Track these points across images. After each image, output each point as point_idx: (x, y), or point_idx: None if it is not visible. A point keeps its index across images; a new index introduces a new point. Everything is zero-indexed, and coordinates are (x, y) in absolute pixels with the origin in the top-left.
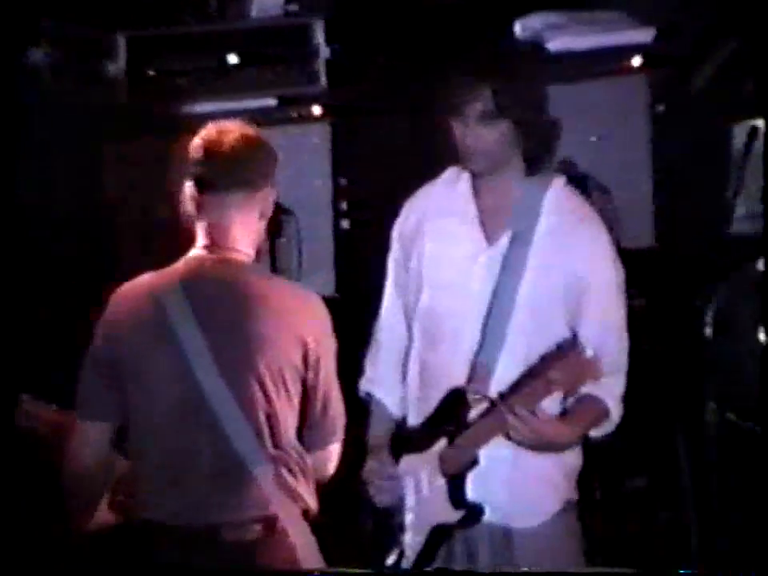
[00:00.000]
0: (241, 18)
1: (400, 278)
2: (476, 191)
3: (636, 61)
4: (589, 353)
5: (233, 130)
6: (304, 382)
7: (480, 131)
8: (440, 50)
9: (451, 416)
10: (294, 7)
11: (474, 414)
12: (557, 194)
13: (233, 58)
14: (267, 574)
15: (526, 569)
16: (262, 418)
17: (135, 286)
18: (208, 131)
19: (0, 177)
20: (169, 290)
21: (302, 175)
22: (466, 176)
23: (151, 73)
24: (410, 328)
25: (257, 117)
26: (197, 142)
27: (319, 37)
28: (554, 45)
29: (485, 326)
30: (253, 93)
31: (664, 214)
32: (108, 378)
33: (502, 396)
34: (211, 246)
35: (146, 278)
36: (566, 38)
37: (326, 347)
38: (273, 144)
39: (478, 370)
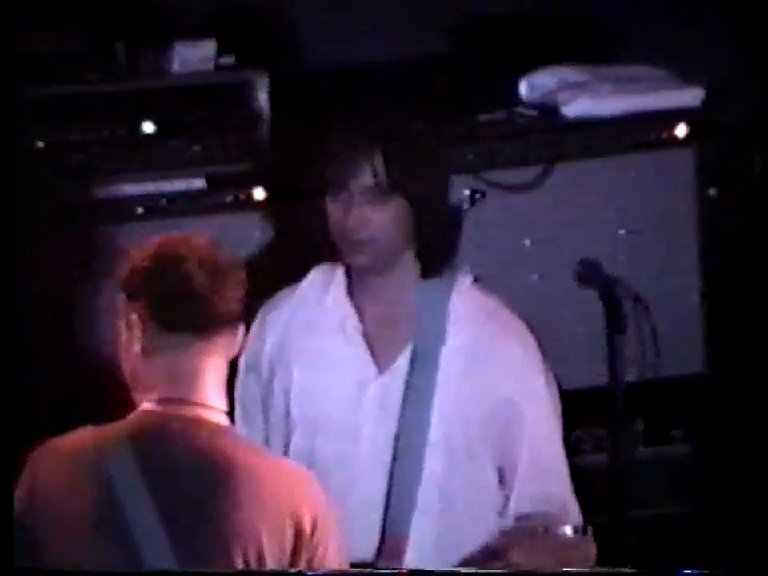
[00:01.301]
0: (158, 75)
1: (255, 416)
2: (355, 297)
3: (680, 130)
4: (567, 530)
5: (199, 248)
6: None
7: (367, 212)
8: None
9: None
10: (228, 59)
11: None
12: (465, 297)
13: (148, 126)
14: (271, 575)
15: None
16: None
17: (69, 445)
18: (164, 247)
19: None
20: (116, 457)
21: None
22: (339, 277)
23: (40, 144)
24: None
25: (179, 202)
26: (147, 260)
27: (261, 97)
28: (572, 109)
29: (388, 477)
30: (174, 171)
31: (718, 332)
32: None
33: None
34: (173, 400)
35: (83, 436)
36: (587, 101)
37: (325, 533)
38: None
39: (388, 540)
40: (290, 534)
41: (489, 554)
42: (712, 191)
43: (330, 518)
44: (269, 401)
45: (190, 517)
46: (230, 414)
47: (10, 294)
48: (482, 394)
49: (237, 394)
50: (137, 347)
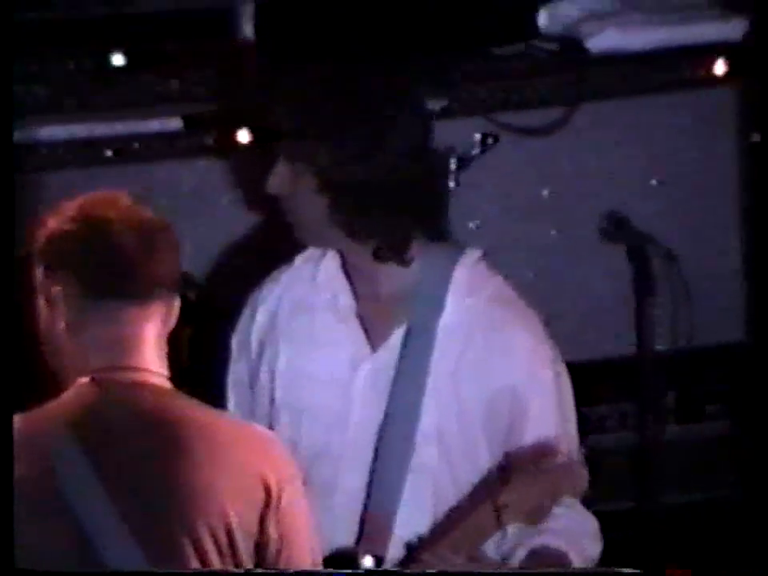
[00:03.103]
0: (130, 2)
1: (244, 402)
2: (350, 272)
3: (720, 67)
4: (560, 457)
5: (126, 209)
6: (261, 541)
7: (278, 168)
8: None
9: None
10: None
11: None
12: (470, 273)
13: (118, 58)
14: (267, 574)
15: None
16: None
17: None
18: (86, 209)
19: None
20: (55, 441)
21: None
22: (333, 253)
23: None
24: None
25: (152, 144)
26: (68, 224)
27: (246, 27)
28: (597, 42)
29: (375, 464)
30: (146, 110)
31: (760, 296)
32: None
33: (422, 540)
34: (109, 369)
35: (20, 422)
36: (614, 33)
37: (292, 500)
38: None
39: (370, 524)
40: (258, 496)
41: (481, 496)
42: (755, 136)
43: (299, 483)
44: (255, 383)
45: (142, 485)
46: (222, 402)
47: None
48: (481, 380)
49: (228, 379)
50: (61, 324)
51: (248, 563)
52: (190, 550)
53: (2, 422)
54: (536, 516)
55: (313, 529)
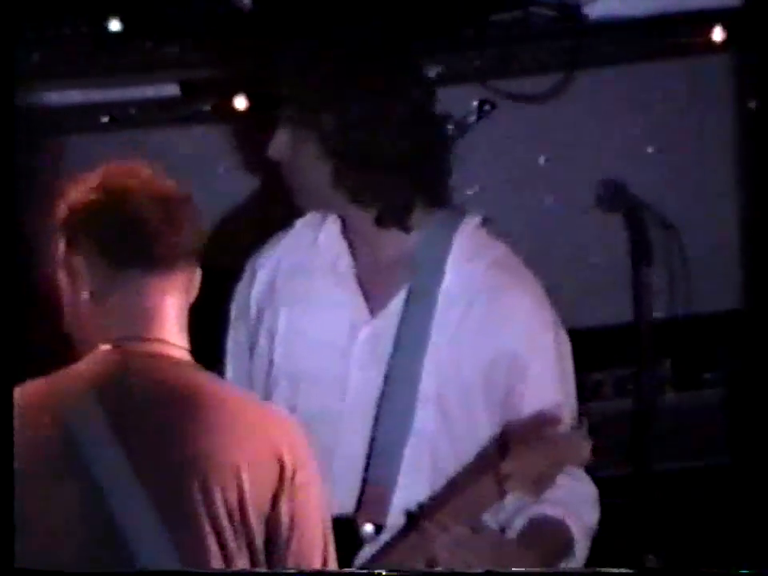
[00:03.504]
0: None
1: (242, 367)
2: (350, 237)
3: (717, 34)
4: (562, 426)
5: (147, 179)
6: (272, 520)
7: (280, 136)
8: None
9: (337, 555)
10: None
11: (369, 550)
12: (470, 238)
13: (114, 24)
14: (271, 574)
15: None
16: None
17: (26, 400)
18: (108, 179)
19: None
20: (76, 404)
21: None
22: (334, 217)
23: None
24: None
25: (149, 111)
26: (92, 195)
27: None
28: (595, 8)
29: (374, 430)
30: (144, 76)
31: (756, 264)
32: None
33: (423, 508)
34: (130, 338)
35: (40, 387)
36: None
37: (307, 478)
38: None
39: (370, 492)
40: (272, 471)
41: (483, 465)
42: (753, 103)
43: (314, 471)
44: (254, 349)
45: (160, 450)
46: (219, 368)
47: None
48: (481, 344)
49: (227, 346)
50: (85, 293)
51: (258, 542)
52: (202, 512)
53: (2, 423)
54: (539, 485)
55: (326, 520)
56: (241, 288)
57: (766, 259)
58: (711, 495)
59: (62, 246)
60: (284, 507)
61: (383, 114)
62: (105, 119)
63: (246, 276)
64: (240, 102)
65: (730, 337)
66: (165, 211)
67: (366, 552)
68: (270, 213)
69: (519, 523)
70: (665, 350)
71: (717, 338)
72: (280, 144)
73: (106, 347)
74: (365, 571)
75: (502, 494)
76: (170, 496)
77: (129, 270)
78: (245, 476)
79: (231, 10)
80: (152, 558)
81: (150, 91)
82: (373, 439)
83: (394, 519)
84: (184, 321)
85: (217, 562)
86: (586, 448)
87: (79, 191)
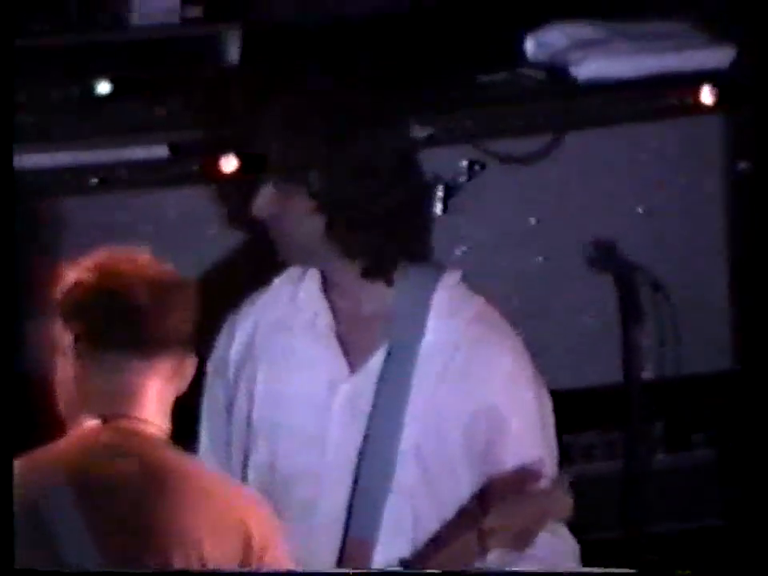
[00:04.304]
0: (116, 27)
1: (218, 425)
2: (330, 293)
3: (706, 95)
4: (543, 482)
5: (142, 264)
6: None
7: (267, 197)
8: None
9: None
10: (195, 12)
11: None
12: (450, 294)
13: (103, 86)
14: (265, 574)
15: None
16: None
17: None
18: (103, 262)
19: None
20: (46, 482)
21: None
22: (313, 272)
23: None
24: None
25: (138, 172)
26: (84, 276)
27: (233, 53)
28: (584, 70)
29: (354, 486)
30: (133, 137)
31: (747, 324)
32: None
33: (405, 564)
34: (110, 416)
35: (20, 466)
36: (601, 61)
37: (276, 556)
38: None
39: (351, 548)
40: (238, 544)
41: (466, 521)
42: (742, 165)
43: (283, 545)
44: (232, 406)
45: (124, 531)
46: (191, 432)
47: None
48: (462, 400)
49: (203, 404)
50: (70, 372)
51: None
52: None
53: (2, 423)
54: (522, 541)
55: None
56: (218, 346)
57: (756, 320)
58: (704, 557)
59: (58, 327)
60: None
61: (371, 169)
62: (94, 181)
63: (223, 333)
64: (229, 163)
65: (721, 398)
66: (155, 296)
67: None
68: (255, 271)
69: None
70: (656, 412)
71: (708, 399)
72: (265, 201)
73: (86, 424)
74: (365, 571)
75: (485, 550)
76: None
77: (110, 352)
78: (207, 549)
79: (219, 69)
80: None
81: (139, 153)
82: (353, 494)
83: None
84: (166, 404)
85: None
86: (567, 502)
87: (74, 272)
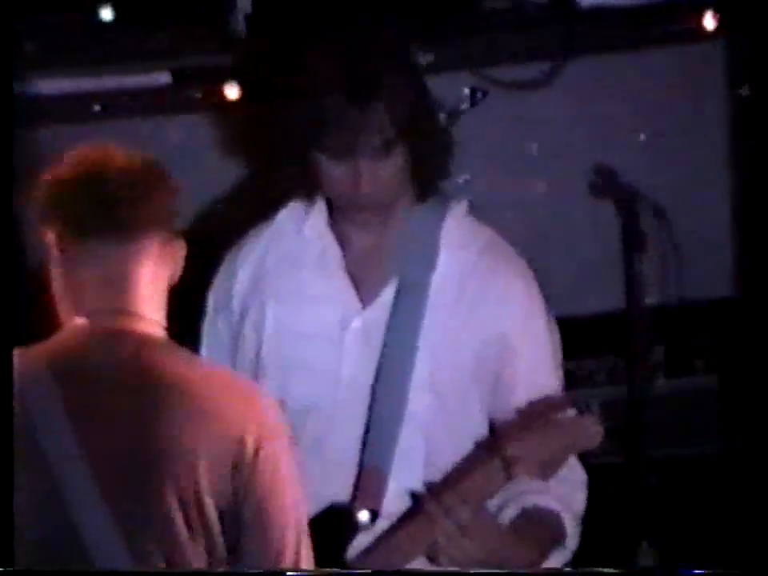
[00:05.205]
0: None
1: (220, 361)
2: (337, 227)
3: (708, 21)
4: (570, 411)
5: (119, 155)
6: (234, 502)
7: (376, 171)
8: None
9: (333, 544)
10: None
11: (366, 537)
12: (459, 226)
13: (106, 12)
14: (266, 574)
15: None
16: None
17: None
18: (79, 158)
19: None
20: (34, 383)
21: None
22: (320, 206)
23: None
24: None
25: (140, 99)
26: (60, 172)
27: None
28: None
29: (368, 417)
30: (136, 64)
31: (749, 251)
32: None
33: (430, 490)
34: (101, 312)
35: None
36: None
37: (272, 455)
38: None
39: (365, 479)
40: (231, 453)
41: (486, 451)
42: (744, 90)
43: (283, 442)
44: (238, 343)
45: (112, 440)
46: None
47: None
48: (474, 329)
49: (203, 338)
50: (58, 268)
51: (216, 532)
52: (157, 520)
53: (2, 424)
54: (548, 469)
55: (298, 494)
56: (220, 281)
57: (759, 246)
58: (703, 482)
59: (42, 227)
60: (246, 487)
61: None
62: (97, 108)
63: (224, 269)
64: (231, 91)
65: (722, 324)
66: (131, 183)
67: (363, 539)
68: (258, 201)
69: (511, 513)
70: (657, 338)
71: (709, 325)
72: (371, 177)
73: (78, 321)
74: (365, 571)
75: (509, 477)
76: (120, 487)
77: (92, 241)
78: (201, 463)
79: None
80: (104, 558)
81: (141, 80)
82: (367, 426)
83: (390, 506)
84: (160, 294)
85: (172, 554)
86: (598, 432)
87: (51, 172)
